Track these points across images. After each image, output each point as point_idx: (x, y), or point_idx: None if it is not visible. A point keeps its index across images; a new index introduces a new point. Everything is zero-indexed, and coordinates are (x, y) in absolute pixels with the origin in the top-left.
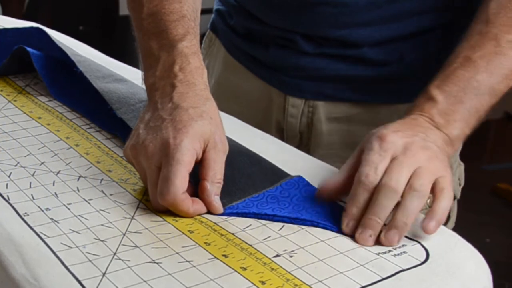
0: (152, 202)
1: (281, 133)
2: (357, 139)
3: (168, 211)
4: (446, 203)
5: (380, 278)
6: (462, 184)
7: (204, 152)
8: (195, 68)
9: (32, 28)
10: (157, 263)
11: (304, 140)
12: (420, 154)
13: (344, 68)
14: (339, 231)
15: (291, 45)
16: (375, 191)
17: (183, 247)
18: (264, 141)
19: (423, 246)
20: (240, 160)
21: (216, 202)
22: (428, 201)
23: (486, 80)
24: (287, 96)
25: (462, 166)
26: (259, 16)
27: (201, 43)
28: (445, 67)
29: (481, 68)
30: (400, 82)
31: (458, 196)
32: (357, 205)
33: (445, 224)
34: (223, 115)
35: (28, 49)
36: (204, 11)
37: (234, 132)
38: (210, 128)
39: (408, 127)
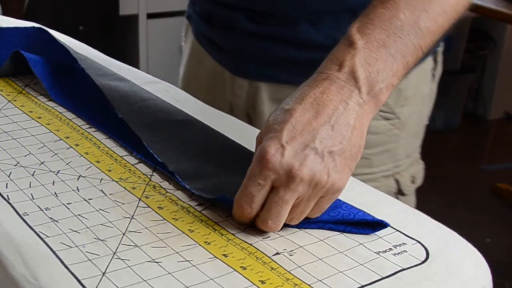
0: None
1: (233, 114)
2: None
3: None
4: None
5: (379, 277)
6: (418, 183)
7: None
8: None
9: (33, 28)
10: (157, 262)
11: (251, 121)
12: (303, 185)
13: (281, 50)
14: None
15: (235, 25)
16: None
17: (183, 246)
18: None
19: (423, 246)
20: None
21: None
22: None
23: (409, 18)
24: (234, 77)
25: (421, 165)
26: None
27: None
28: (367, 7)
29: (402, 5)
30: None
31: (408, 193)
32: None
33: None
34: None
35: (25, 54)
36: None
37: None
38: None
39: (315, 113)
